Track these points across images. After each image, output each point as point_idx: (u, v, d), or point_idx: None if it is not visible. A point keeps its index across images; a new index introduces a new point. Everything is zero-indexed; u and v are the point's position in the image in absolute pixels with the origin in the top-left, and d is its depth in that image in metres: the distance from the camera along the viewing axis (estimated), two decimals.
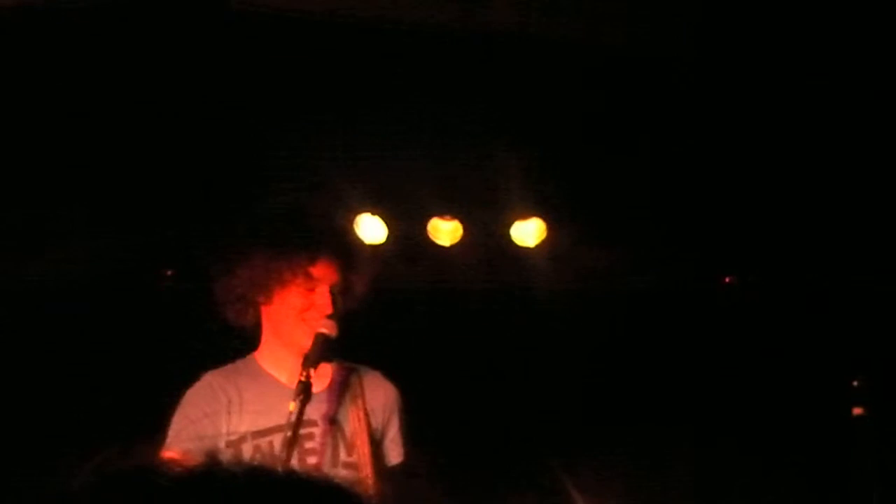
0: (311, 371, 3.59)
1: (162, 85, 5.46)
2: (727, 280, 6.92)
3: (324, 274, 3.73)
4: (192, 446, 3.63)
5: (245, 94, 5.54)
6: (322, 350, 3.66)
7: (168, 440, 3.71)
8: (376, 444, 3.83)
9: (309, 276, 3.70)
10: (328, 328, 3.68)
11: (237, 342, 3.95)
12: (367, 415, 3.82)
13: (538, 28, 5.31)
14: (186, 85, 5.49)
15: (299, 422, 3.54)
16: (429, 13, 5.18)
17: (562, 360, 6.53)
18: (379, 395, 3.90)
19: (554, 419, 6.37)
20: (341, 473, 3.70)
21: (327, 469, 3.68)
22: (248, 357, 3.86)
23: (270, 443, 3.67)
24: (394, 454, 3.92)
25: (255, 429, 3.69)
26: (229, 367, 3.85)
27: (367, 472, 3.74)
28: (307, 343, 3.64)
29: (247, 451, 3.67)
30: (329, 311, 3.69)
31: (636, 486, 5.88)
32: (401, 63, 5.36)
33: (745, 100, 5.78)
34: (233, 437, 3.68)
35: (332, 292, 3.72)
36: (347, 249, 3.89)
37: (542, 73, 5.50)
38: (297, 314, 3.70)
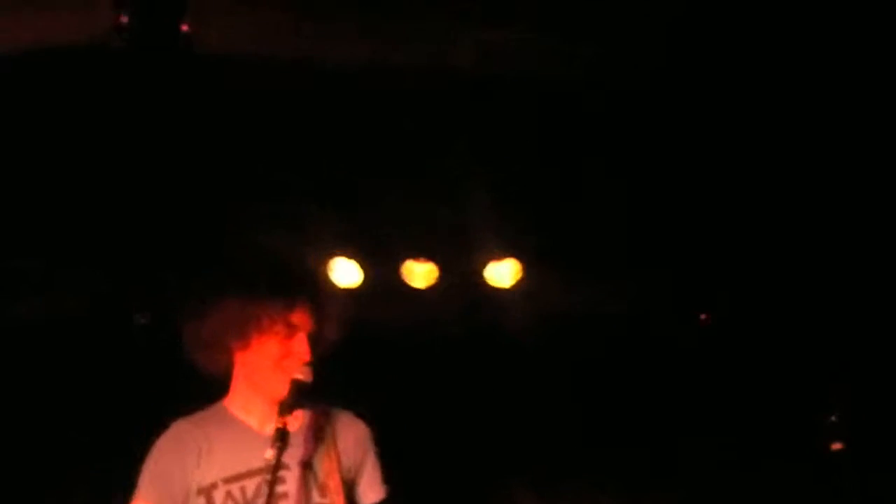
0: (287, 418, 3.57)
1: (132, 128, 5.47)
2: (703, 317, 6.95)
3: (301, 321, 3.71)
4: (162, 495, 3.62)
5: (216, 138, 5.55)
6: (298, 396, 3.63)
7: (138, 489, 3.68)
8: (349, 486, 3.81)
9: (288, 324, 3.69)
10: (304, 375, 3.66)
11: (210, 388, 3.93)
12: (338, 456, 3.80)
13: (506, 68, 5.33)
14: (157, 129, 5.49)
15: (277, 468, 3.51)
16: (397, 57, 5.20)
17: (538, 397, 6.54)
18: (350, 435, 3.87)
19: (531, 454, 6.38)
20: None
21: None
22: (218, 404, 3.83)
23: (242, 489, 3.63)
24: (373, 493, 3.89)
25: (225, 475, 3.65)
26: (198, 414, 3.82)
27: None
28: (283, 390, 3.62)
29: (219, 497, 3.64)
30: (307, 358, 3.67)
31: None
32: (373, 107, 5.38)
33: (713, 134, 5.82)
34: (204, 484, 3.65)
35: (309, 339, 3.70)
36: (322, 295, 3.87)
37: (513, 114, 5.52)
38: (274, 362, 3.68)
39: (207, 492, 3.63)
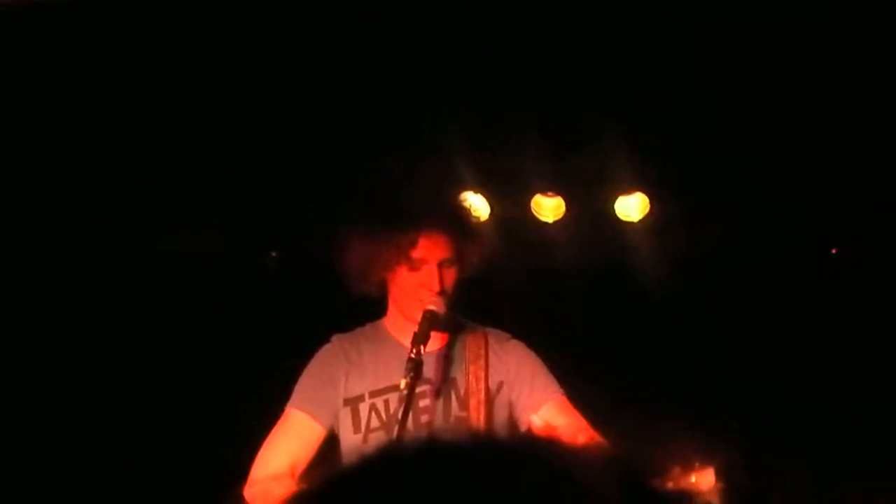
0: (422, 348, 3.65)
1: (264, 65, 5.51)
2: (833, 251, 6.84)
3: (427, 252, 3.78)
4: (311, 405, 3.84)
5: (343, 70, 5.57)
6: (430, 326, 3.72)
7: (292, 398, 3.92)
8: (503, 401, 3.88)
9: (411, 258, 3.76)
10: (436, 305, 3.74)
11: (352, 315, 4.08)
12: (486, 372, 3.88)
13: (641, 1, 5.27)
14: (290, 64, 5.53)
15: (411, 397, 3.62)
16: None
17: (666, 334, 6.51)
18: (503, 352, 3.95)
19: (655, 394, 6.36)
20: (452, 429, 3.77)
21: (438, 424, 3.77)
22: (377, 322, 4.00)
23: (386, 401, 3.80)
24: (549, 391, 3.92)
25: (372, 388, 3.82)
26: (357, 330, 4.05)
27: (478, 426, 3.81)
28: (418, 319, 3.72)
29: (364, 409, 3.82)
30: (437, 288, 3.75)
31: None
32: (501, 40, 5.36)
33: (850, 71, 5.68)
34: (351, 396, 3.82)
35: (439, 268, 3.77)
36: (452, 222, 3.92)
37: (644, 48, 5.46)
38: (407, 292, 3.78)
39: (353, 403, 3.81)
